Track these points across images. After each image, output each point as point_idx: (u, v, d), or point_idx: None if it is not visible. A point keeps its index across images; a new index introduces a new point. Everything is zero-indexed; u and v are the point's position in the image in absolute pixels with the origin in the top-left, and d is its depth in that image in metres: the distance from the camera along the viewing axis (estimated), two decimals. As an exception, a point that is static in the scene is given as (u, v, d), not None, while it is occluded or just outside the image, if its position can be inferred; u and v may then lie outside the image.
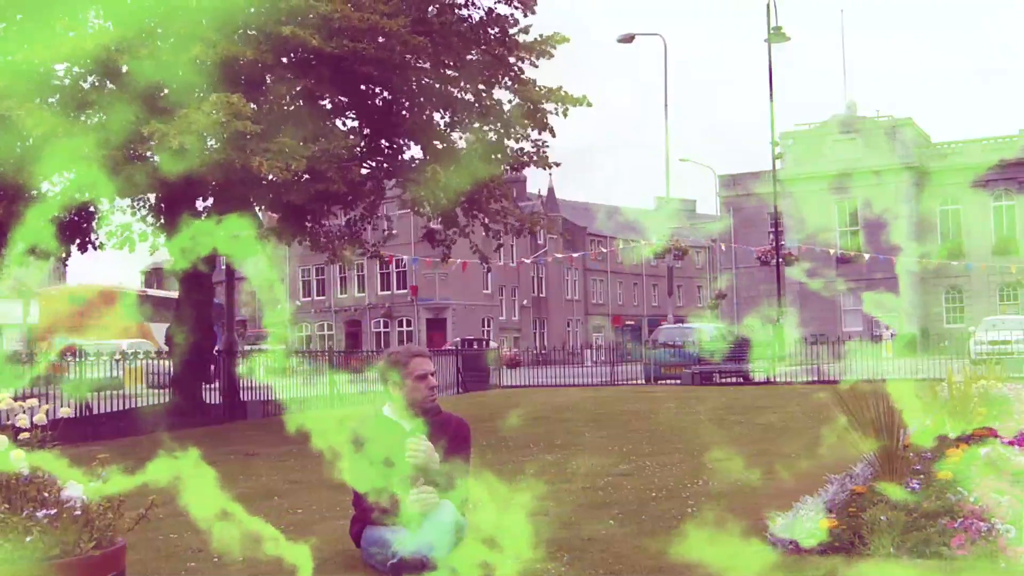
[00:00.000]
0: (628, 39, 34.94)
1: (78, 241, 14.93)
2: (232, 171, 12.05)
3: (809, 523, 5.18)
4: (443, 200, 14.60)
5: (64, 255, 15.51)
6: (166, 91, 12.45)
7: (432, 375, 4.53)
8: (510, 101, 15.23)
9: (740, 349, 22.86)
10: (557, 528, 6.05)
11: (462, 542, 4.46)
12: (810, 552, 5.04)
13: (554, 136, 15.55)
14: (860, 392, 6.27)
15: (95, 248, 15.08)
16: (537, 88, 15.08)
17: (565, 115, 15.26)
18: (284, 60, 13.42)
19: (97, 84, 12.93)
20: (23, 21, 12.40)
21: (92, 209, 14.18)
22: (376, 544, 4.22)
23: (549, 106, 15.17)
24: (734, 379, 22.23)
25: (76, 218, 14.47)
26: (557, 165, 15.98)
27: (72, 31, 12.25)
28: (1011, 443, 6.71)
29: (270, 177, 12.38)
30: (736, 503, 6.50)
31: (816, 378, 20.34)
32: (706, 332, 26.35)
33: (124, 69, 12.21)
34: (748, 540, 5.19)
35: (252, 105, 12.05)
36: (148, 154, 12.31)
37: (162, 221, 15.46)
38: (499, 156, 15.28)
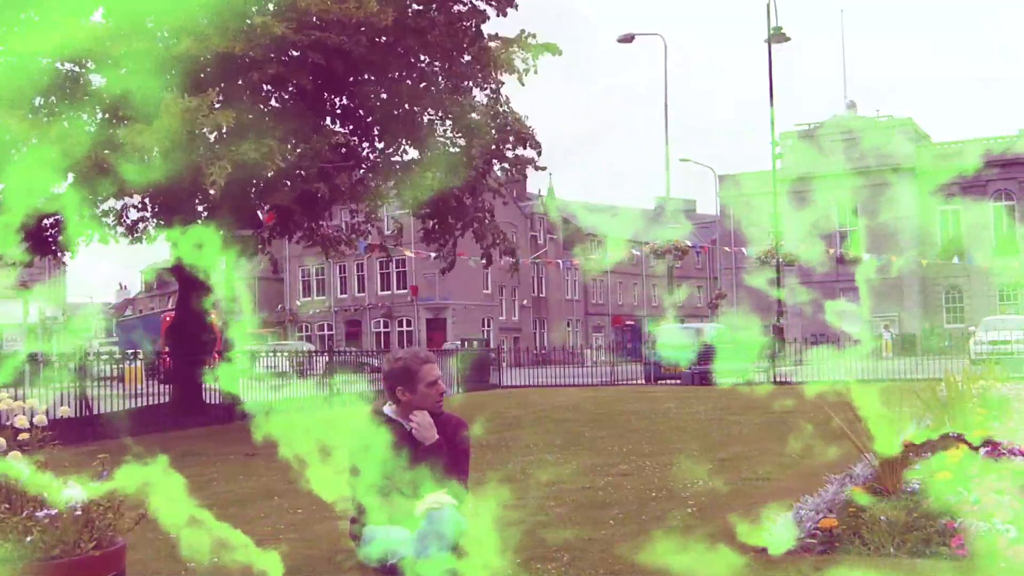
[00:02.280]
0: (628, 39, 34.95)
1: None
2: (196, 176, 12.03)
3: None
4: (423, 196, 14.60)
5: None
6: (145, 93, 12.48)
7: (440, 380, 4.57)
8: (495, 104, 15.28)
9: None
10: (557, 528, 6.05)
11: (462, 542, 4.46)
12: (805, 553, 5.05)
13: (539, 154, 15.81)
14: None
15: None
16: (508, 109, 15.20)
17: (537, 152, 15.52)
18: (266, 55, 13.38)
19: (80, 83, 12.88)
20: (18, 16, 12.39)
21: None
22: (375, 543, 4.22)
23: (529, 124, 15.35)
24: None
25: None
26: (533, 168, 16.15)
27: (69, 26, 12.24)
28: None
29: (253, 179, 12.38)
30: (735, 503, 6.50)
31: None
32: (707, 332, 26.36)
33: (120, 66, 12.20)
34: (745, 542, 5.19)
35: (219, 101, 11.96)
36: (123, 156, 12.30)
37: (157, 223, 15.52)
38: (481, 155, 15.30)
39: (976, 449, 6.52)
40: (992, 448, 6.60)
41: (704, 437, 10.92)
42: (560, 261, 56.05)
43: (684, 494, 7.17)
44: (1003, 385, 10.17)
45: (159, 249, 15.60)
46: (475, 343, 30.28)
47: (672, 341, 24.93)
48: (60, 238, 14.50)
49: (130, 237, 15.54)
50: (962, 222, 52.46)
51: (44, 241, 14.66)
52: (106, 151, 11.55)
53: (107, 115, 12.01)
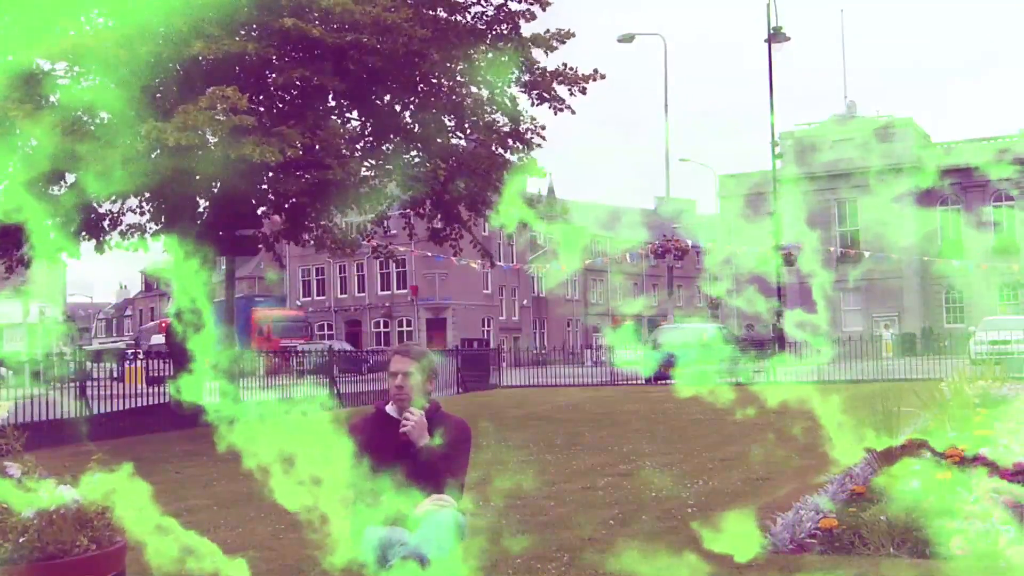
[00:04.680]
0: (628, 39, 34.94)
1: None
2: (228, 166, 12.05)
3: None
4: (445, 198, 14.63)
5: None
6: (159, 92, 12.47)
7: (404, 375, 4.44)
8: (519, 84, 15.25)
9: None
10: (557, 528, 6.05)
11: (462, 541, 4.46)
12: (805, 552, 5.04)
13: (574, 113, 15.67)
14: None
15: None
16: (547, 72, 15.11)
17: (584, 92, 15.32)
18: (285, 55, 13.40)
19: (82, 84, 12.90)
20: (20, 18, 12.39)
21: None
22: (375, 544, 4.21)
23: (561, 89, 15.24)
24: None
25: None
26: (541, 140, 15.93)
27: (73, 30, 12.24)
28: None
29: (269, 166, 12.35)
30: (734, 504, 6.50)
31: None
32: (707, 332, 26.35)
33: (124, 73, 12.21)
34: (743, 542, 5.18)
35: (247, 100, 12.02)
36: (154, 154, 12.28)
37: (159, 223, 15.54)
38: (501, 147, 15.31)
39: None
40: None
41: (704, 437, 10.91)
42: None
43: (684, 494, 7.17)
44: (1003, 385, 10.16)
45: (160, 250, 15.55)
46: (474, 343, 30.16)
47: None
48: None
49: (124, 241, 15.55)
50: (961, 222, 52.38)
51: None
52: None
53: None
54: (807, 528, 5.29)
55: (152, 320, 64.33)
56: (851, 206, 54.01)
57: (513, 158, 15.66)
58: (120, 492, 3.43)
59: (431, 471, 4.32)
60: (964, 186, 51.85)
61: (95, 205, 14.34)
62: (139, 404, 15.16)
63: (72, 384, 14.65)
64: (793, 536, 5.19)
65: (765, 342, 26.46)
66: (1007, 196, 51.76)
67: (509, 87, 15.16)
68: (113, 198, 14.17)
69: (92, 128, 11.72)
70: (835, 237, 52.88)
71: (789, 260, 33.14)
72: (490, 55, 14.72)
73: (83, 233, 14.52)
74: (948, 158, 51.14)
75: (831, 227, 51.78)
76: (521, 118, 15.41)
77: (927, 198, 52.05)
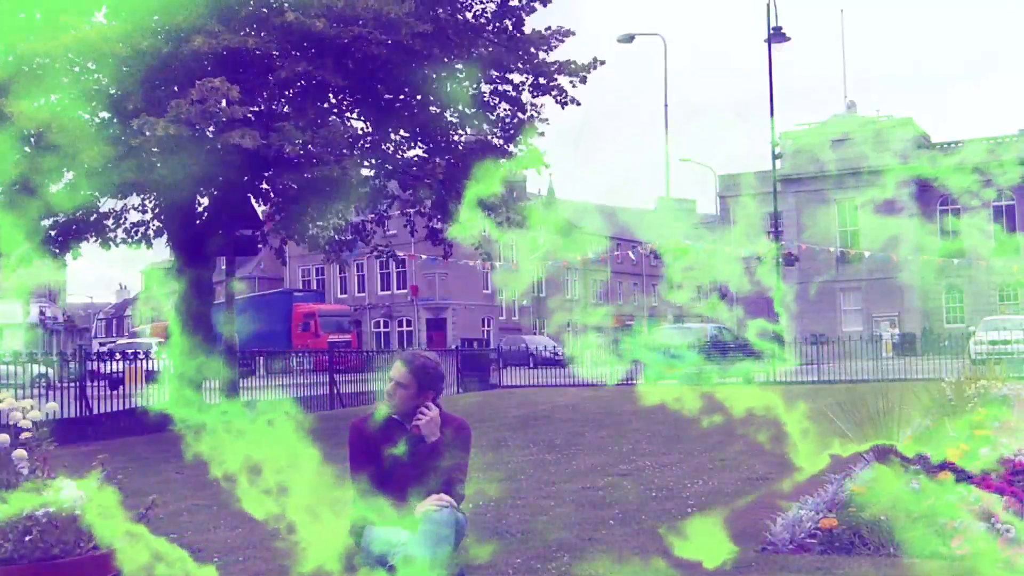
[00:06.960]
0: (628, 39, 34.93)
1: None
2: (220, 159, 12.06)
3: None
4: (446, 198, 14.63)
5: None
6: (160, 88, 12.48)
7: (400, 384, 4.40)
8: (522, 83, 15.24)
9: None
10: (557, 528, 6.05)
11: (462, 541, 4.46)
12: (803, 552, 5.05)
13: (579, 105, 15.61)
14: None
15: None
16: (550, 64, 15.14)
17: (584, 82, 15.33)
18: (286, 50, 13.41)
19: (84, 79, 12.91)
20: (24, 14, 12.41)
21: None
22: (375, 544, 4.21)
23: (564, 80, 15.25)
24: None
25: None
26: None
27: (74, 27, 12.25)
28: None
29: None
30: (733, 504, 6.50)
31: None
32: (707, 331, 26.36)
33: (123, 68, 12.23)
34: (742, 542, 5.19)
35: (249, 97, 12.02)
36: (151, 152, 12.27)
37: (158, 223, 15.58)
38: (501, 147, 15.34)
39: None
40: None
41: (704, 437, 10.91)
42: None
43: (684, 494, 7.18)
44: (1003, 385, 10.15)
45: (161, 249, 15.61)
46: (474, 343, 30.09)
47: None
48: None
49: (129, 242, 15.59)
50: (961, 223, 52.36)
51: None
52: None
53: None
54: (807, 528, 5.30)
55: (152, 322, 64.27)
56: (842, 207, 54.10)
57: (515, 150, 15.62)
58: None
59: (431, 471, 4.32)
60: (963, 187, 51.85)
61: (96, 204, 14.34)
62: (139, 404, 15.16)
63: (73, 384, 14.69)
64: (793, 536, 5.20)
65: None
66: (1007, 196, 51.80)
67: (508, 81, 15.19)
68: (101, 199, 14.17)
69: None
70: (835, 237, 52.90)
71: (790, 261, 32.92)
72: (490, 50, 14.75)
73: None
74: (939, 160, 51.18)
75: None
76: (521, 104, 15.41)
77: (923, 198, 52.17)
